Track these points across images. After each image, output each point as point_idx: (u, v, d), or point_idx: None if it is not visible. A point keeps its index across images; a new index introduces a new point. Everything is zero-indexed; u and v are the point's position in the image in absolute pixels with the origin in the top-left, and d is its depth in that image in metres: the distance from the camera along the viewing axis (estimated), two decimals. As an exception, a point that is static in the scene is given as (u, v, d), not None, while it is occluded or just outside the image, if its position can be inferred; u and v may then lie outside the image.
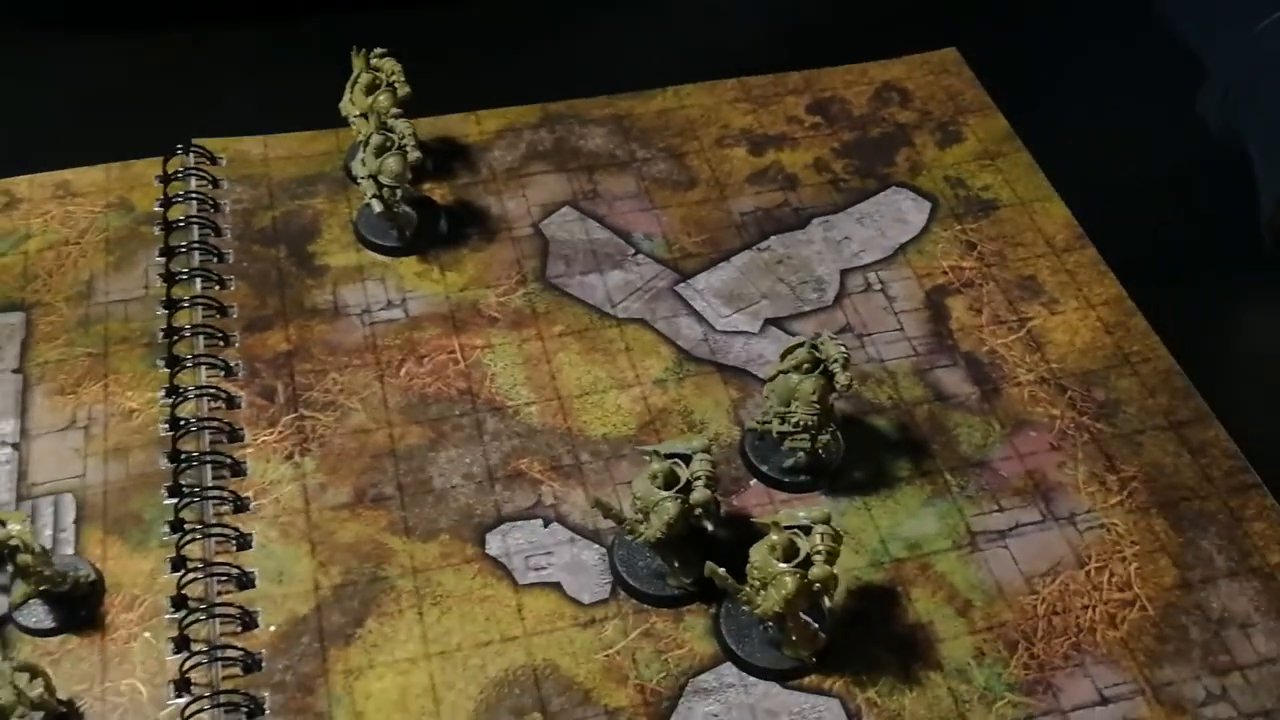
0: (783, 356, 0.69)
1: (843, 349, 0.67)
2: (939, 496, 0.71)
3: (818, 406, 0.67)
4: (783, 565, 0.59)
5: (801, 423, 0.67)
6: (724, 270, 0.82)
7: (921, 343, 0.78)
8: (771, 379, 0.69)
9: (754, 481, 0.71)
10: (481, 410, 0.74)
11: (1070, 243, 0.84)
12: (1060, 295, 0.81)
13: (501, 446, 0.72)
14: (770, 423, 0.69)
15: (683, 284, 0.81)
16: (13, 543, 0.60)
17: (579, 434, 0.73)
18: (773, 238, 0.84)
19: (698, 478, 0.62)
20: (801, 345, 0.68)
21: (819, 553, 0.59)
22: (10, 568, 0.62)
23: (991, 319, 0.80)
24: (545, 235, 0.84)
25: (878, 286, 0.82)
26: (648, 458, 0.64)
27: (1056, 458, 0.72)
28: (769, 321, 0.79)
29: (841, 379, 0.66)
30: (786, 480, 0.70)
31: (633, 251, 0.83)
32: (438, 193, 0.85)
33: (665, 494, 0.62)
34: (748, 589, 0.60)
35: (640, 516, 0.63)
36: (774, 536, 0.60)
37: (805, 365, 0.67)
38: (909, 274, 0.82)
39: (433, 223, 0.83)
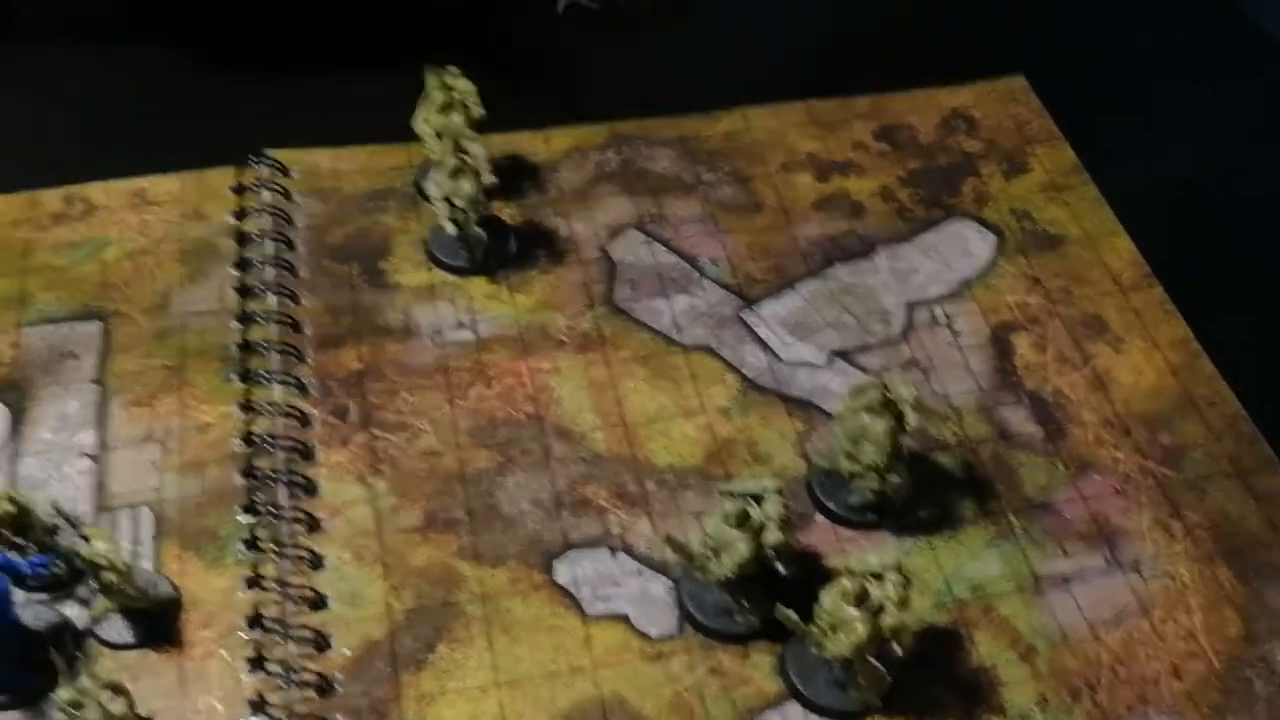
0: (852, 395, 0.69)
1: (913, 390, 0.67)
2: (1003, 538, 0.71)
3: (888, 448, 0.67)
4: (854, 612, 0.59)
5: (872, 464, 0.68)
6: (789, 298, 0.82)
7: (986, 379, 0.79)
8: (840, 418, 0.70)
9: (820, 517, 0.71)
10: (549, 435, 0.74)
11: (1137, 281, 0.84)
12: (1126, 334, 0.81)
13: (568, 472, 0.73)
14: (839, 461, 0.69)
15: (748, 311, 0.82)
16: (99, 561, 0.62)
17: (645, 462, 0.73)
18: (838, 266, 0.84)
19: (771, 519, 0.62)
20: (872, 386, 0.68)
21: (891, 600, 0.59)
22: (94, 583, 0.63)
23: (1056, 357, 0.80)
24: (612, 258, 0.84)
25: (943, 321, 0.82)
26: (721, 496, 0.65)
27: (1120, 502, 0.73)
28: (835, 353, 0.80)
29: (912, 421, 0.67)
30: (853, 518, 0.71)
31: (698, 277, 0.83)
32: (506, 212, 0.86)
33: (738, 534, 0.62)
34: (815, 630, 0.61)
35: (710, 553, 0.64)
36: (846, 583, 0.60)
37: (876, 406, 0.68)
38: (974, 309, 0.83)
39: (502, 243, 0.83)
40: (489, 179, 0.78)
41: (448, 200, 0.79)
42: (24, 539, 0.65)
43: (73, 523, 0.67)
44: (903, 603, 0.59)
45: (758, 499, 0.64)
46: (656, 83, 0.96)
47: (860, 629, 0.59)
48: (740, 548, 0.62)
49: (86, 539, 0.63)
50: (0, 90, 0.92)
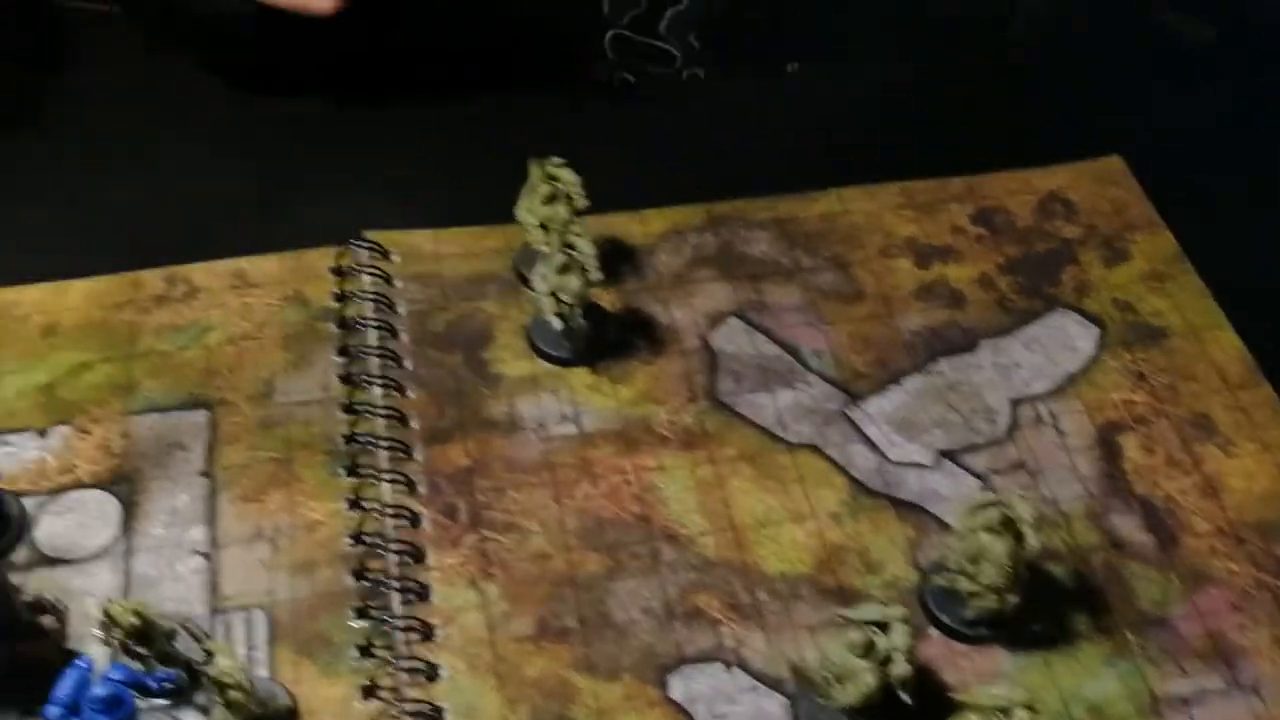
0: (969, 512, 0.69)
1: (1034, 510, 0.67)
2: (1120, 656, 0.70)
3: (1009, 569, 0.67)
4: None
5: (991, 584, 0.67)
6: (895, 394, 0.82)
7: (1095, 484, 0.78)
8: (958, 535, 0.69)
9: (933, 630, 0.71)
10: (657, 538, 0.74)
11: (1244, 378, 0.84)
12: (1235, 436, 0.80)
13: (679, 579, 0.73)
14: (957, 579, 0.69)
15: (854, 408, 0.81)
16: (225, 680, 0.62)
17: (755, 569, 0.73)
18: (942, 360, 0.84)
19: (899, 650, 0.62)
20: (992, 505, 0.68)
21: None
22: (217, 698, 0.63)
23: (1165, 460, 0.79)
24: (713, 348, 0.84)
25: (1049, 420, 0.81)
26: (843, 621, 0.64)
27: (1237, 619, 0.72)
28: (942, 453, 0.79)
29: (1033, 543, 0.66)
30: (967, 632, 0.70)
31: (802, 369, 0.83)
32: (605, 298, 0.86)
33: (864, 664, 0.62)
34: None
35: (832, 679, 0.64)
36: (974, 718, 0.60)
37: (995, 526, 0.67)
38: (1080, 407, 0.82)
39: (602, 331, 0.83)
40: (597, 276, 0.78)
41: (554, 295, 0.79)
42: (147, 649, 0.65)
43: (199, 638, 0.67)
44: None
45: (882, 626, 0.63)
46: (750, 160, 0.96)
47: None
48: (866, 679, 0.62)
49: (211, 655, 0.63)
50: (101, 170, 0.92)
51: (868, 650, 0.63)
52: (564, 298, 0.78)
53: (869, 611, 0.64)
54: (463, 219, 0.90)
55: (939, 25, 1.04)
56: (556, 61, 1.03)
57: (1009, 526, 0.67)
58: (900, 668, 0.61)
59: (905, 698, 0.62)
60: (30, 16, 0.89)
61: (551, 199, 0.82)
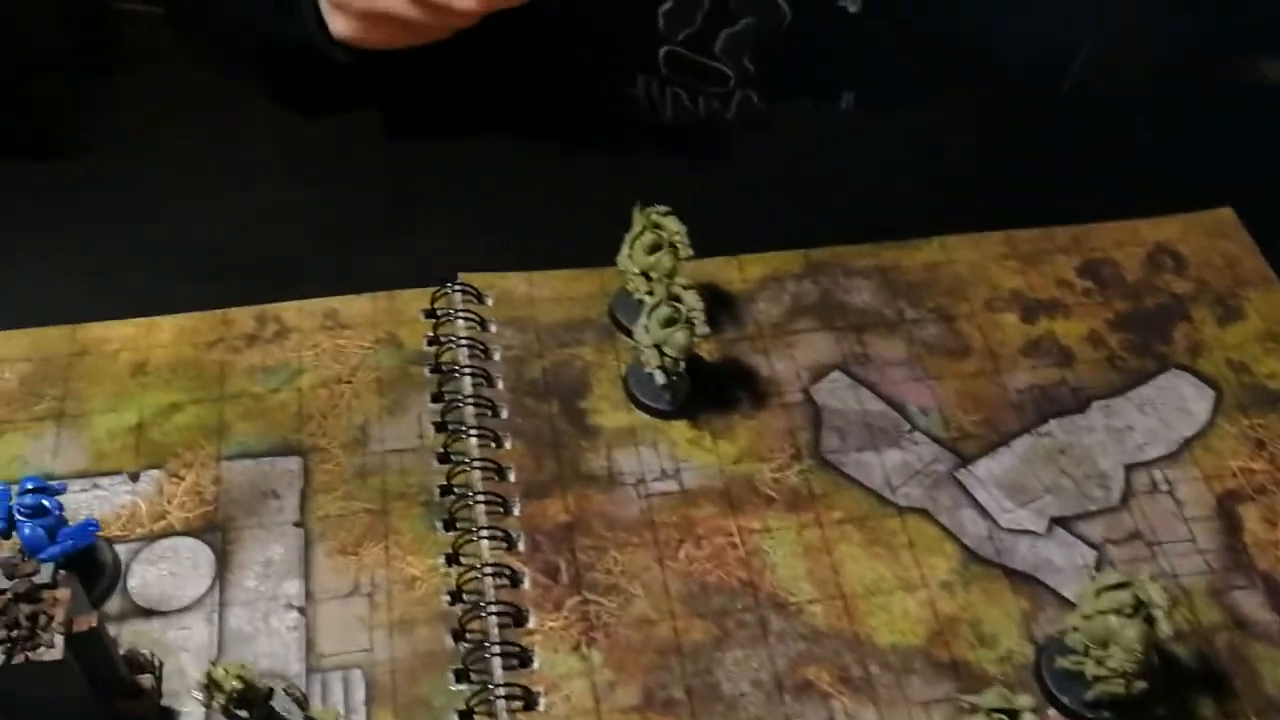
0: (1096, 593, 0.66)
1: (1167, 594, 0.64)
2: (1247, 745, 0.68)
3: (1140, 655, 0.64)
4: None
5: (1119, 668, 0.65)
6: (1004, 456, 0.79)
7: (1215, 557, 0.75)
8: (1083, 615, 0.67)
9: (1052, 712, 0.68)
10: (764, 606, 0.72)
11: (1367, 449, 0.81)
12: (1360, 511, 0.78)
13: (787, 650, 0.70)
14: (1083, 663, 0.66)
15: (963, 470, 0.79)
16: (331, 753, 0.60)
17: (866, 640, 0.71)
18: (1052, 421, 0.81)
19: (1030, 743, 0.59)
20: (1122, 586, 0.65)
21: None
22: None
23: (1288, 534, 0.76)
24: (817, 403, 0.82)
25: (1164, 487, 0.78)
26: (967, 707, 0.62)
27: (1370, 708, 0.69)
28: (1054, 520, 0.76)
29: (1166, 629, 0.64)
30: (1088, 715, 0.68)
31: (908, 428, 0.81)
32: (704, 347, 0.83)
33: (993, 756, 0.60)
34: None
35: (958, 767, 0.61)
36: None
37: (1127, 609, 0.65)
38: (1197, 474, 0.79)
39: (703, 382, 0.81)
40: (704, 331, 0.76)
41: (658, 348, 0.77)
42: (248, 713, 0.63)
43: (300, 703, 0.65)
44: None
45: (1011, 715, 0.61)
46: (846, 202, 0.94)
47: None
48: (997, 770, 0.59)
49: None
50: (191, 200, 0.90)
51: (995, 740, 0.60)
52: (668, 352, 0.76)
53: (994, 699, 0.62)
54: (556, 260, 0.88)
55: (1036, 67, 1.02)
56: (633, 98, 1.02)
57: (1140, 609, 0.65)
58: (1032, 761, 0.59)
59: (1037, 791, 0.60)
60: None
61: (655, 248, 0.80)
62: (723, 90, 1.05)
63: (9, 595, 0.59)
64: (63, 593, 0.60)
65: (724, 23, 1.01)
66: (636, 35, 1.03)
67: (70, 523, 0.69)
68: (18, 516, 0.66)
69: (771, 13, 0.99)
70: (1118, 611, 0.65)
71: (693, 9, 1.00)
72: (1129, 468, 0.79)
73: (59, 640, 0.58)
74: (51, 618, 0.59)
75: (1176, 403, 0.83)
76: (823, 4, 1.00)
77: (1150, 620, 0.64)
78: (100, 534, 0.71)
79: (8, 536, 0.67)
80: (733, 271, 0.89)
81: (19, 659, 0.57)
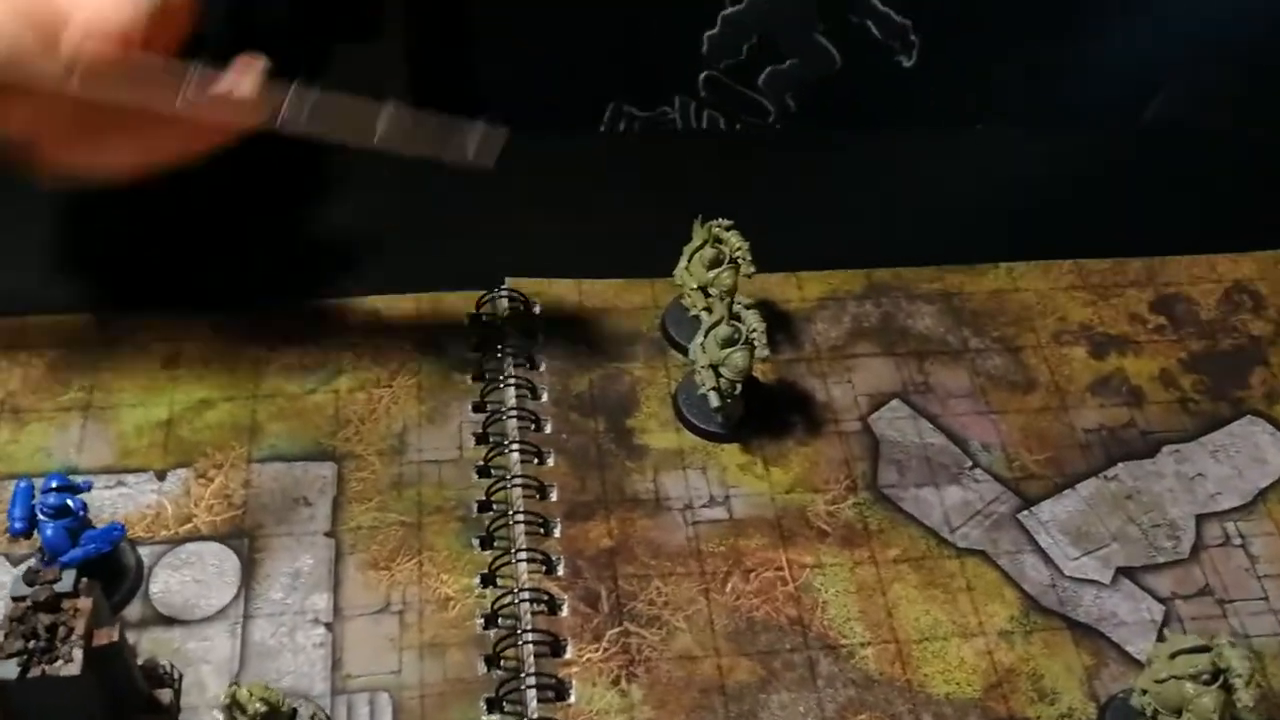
0: (1172, 656, 0.62)
1: (1249, 663, 0.60)
2: (1321, 823, 0.64)
3: (1217, 726, 0.61)
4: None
5: (1194, 738, 0.61)
6: (1069, 500, 0.76)
7: (1290, 619, 0.71)
8: (1154, 675, 0.63)
9: (1115, 778, 0.65)
10: (814, 646, 0.69)
11: None
12: None
13: (837, 696, 0.67)
14: (1155, 731, 0.63)
15: (1026, 512, 0.75)
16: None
17: (919, 689, 0.67)
18: (1119, 465, 0.78)
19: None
20: (1201, 651, 0.61)
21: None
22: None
23: (1367, 598, 0.72)
24: (875, 433, 0.78)
25: (1237, 541, 0.75)
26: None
27: None
28: (1120, 571, 0.73)
29: (1244, 697, 0.60)
30: (1155, 783, 0.64)
31: (969, 464, 0.77)
32: (760, 368, 0.80)
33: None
34: None
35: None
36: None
37: (1204, 676, 0.61)
38: (1271, 528, 0.75)
39: (757, 405, 0.77)
40: (764, 353, 0.72)
41: (714, 368, 0.73)
42: (270, 736, 0.60)
43: (328, 732, 0.62)
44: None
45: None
46: (914, 225, 0.90)
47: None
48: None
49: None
50: (234, 197, 0.87)
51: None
52: (725, 373, 0.73)
53: None
54: (606, 268, 0.85)
55: (1116, 99, 0.98)
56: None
57: (1218, 676, 0.61)
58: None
59: None
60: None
61: (716, 263, 0.76)
62: (761, 122, 1.02)
63: (28, 603, 0.56)
64: (84, 603, 0.57)
65: (770, 59, 0.98)
66: (676, 56, 1.00)
67: (95, 524, 0.66)
68: (40, 516, 0.63)
69: (821, 58, 0.97)
70: (1194, 677, 0.61)
71: (739, 40, 0.97)
72: (1200, 518, 0.76)
73: (78, 654, 0.55)
74: (71, 630, 0.56)
75: (1251, 451, 0.79)
76: (876, 53, 0.97)
77: (1229, 688, 0.61)
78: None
79: (29, 536, 0.64)
80: (791, 289, 0.85)
81: (35, 672, 0.54)
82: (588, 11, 0.95)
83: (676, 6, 0.98)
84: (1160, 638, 0.69)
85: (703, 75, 1.01)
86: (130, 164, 0.64)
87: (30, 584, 0.57)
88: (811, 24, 0.97)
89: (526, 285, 0.83)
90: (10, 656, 0.55)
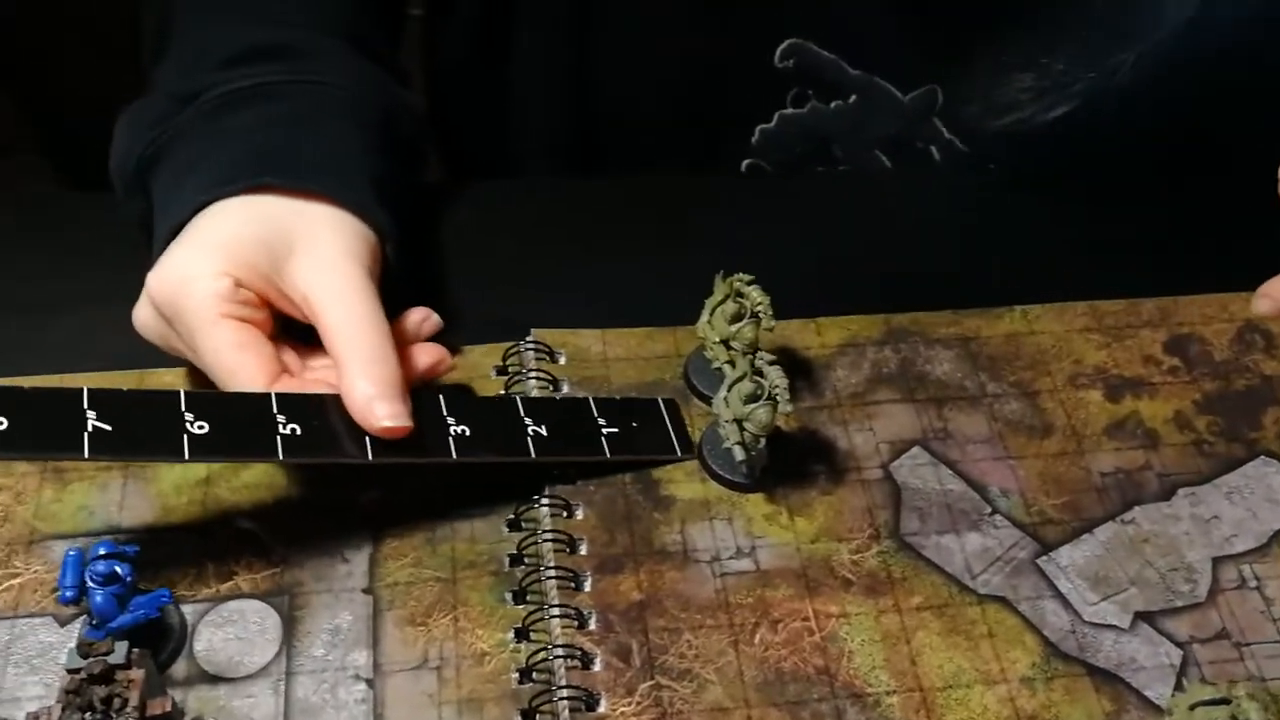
0: (1191, 708, 0.64)
1: (1266, 714, 0.62)
2: None
3: (1236, 777, 0.62)
4: None
5: (1212, 788, 0.63)
6: (1087, 544, 0.77)
7: (1305, 661, 0.73)
8: (1173, 724, 0.65)
9: (1137, 824, 0.67)
10: (840, 696, 0.70)
11: None
12: None
13: (865, 745, 0.69)
14: (1174, 780, 0.64)
15: (1045, 558, 0.77)
16: None
17: (945, 737, 0.69)
18: (1136, 509, 0.79)
19: None
20: (1220, 704, 0.63)
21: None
22: None
23: (1381, 640, 0.74)
24: (896, 480, 0.80)
25: (1253, 583, 0.76)
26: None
27: None
28: (1138, 615, 0.74)
29: (1262, 748, 0.62)
30: (1175, 830, 0.66)
31: (989, 510, 0.79)
32: (782, 419, 0.81)
33: None
34: None
35: None
36: None
37: (1223, 728, 0.63)
38: (1286, 570, 0.77)
39: (780, 453, 0.79)
40: (788, 409, 0.74)
41: (738, 423, 0.75)
42: (316, 798, 0.62)
43: (374, 795, 0.64)
44: None
45: None
46: (930, 267, 0.92)
47: None
48: None
49: (386, 813, 0.60)
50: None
51: None
52: (750, 428, 0.75)
53: None
54: (629, 319, 0.87)
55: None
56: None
57: (1237, 728, 0.63)
58: None
59: None
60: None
61: (737, 317, 0.78)
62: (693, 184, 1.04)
63: (83, 675, 0.58)
64: (137, 673, 0.59)
65: (821, 163, 1.01)
66: (729, 141, 1.01)
67: (142, 585, 0.67)
68: (90, 583, 0.65)
69: (872, 166, 0.98)
70: (1213, 729, 0.63)
71: (792, 142, 0.99)
72: (1216, 560, 0.77)
73: (134, 726, 0.57)
74: (126, 700, 0.58)
75: (1265, 493, 0.80)
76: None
77: (1247, 739, 0.62)
78: (167, 597, 0.69)
79: (78, 603, 0.65)
80: (810, 335, 0.87)
81: (93, 745, 0.56)
82: (653, 71, 0.96)
83: (738, 93, 0.99)
84: (1179, 684, 0.70)
85: (746, 163, 1.02)
86: None
87: (84, 656, 0.59)
88: (871, 142, 0.98)
89: (551, 336, 0.85)
90: (68, 729, 0.57)
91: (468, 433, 0.74)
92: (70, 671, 0.58)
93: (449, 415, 0.74)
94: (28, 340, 0.83)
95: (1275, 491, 0.81)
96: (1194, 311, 0.90)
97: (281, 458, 0.69)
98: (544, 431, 0.76)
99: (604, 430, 0.77)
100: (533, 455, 0.75)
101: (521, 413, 0.76)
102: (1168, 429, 0.83)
